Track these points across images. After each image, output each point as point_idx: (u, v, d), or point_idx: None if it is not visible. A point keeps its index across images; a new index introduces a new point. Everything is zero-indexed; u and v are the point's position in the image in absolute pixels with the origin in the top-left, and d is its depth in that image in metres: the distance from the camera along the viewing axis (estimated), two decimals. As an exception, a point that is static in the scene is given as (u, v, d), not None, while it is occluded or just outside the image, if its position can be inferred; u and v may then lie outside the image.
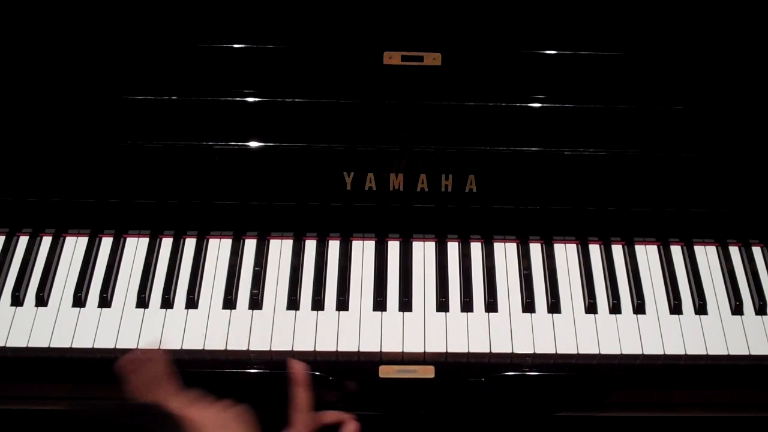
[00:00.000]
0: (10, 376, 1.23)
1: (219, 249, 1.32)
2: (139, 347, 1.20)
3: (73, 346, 1.21)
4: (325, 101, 1.27)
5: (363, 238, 1.34)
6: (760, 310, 1.27)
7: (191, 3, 1.28)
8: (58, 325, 1.23)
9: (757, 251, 1.34)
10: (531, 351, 1.22)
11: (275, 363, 1.21)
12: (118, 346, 1.21)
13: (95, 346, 1.21)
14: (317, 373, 1.17)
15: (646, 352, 1.22)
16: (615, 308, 1.27)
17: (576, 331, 1.24)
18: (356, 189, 1.28)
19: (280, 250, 1.32)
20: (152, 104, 1.26)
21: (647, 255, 1.33)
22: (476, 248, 1.33)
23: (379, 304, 1.26)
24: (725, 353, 1.23)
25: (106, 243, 1.33)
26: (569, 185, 1.29)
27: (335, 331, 1.23)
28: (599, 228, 1.34)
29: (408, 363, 1.21)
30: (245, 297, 1.27)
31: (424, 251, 1.33)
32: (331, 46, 1.26)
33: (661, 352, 1.22)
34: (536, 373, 1.19)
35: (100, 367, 1.22)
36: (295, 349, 1.21)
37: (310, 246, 1.33)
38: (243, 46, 1.25)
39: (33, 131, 1.27)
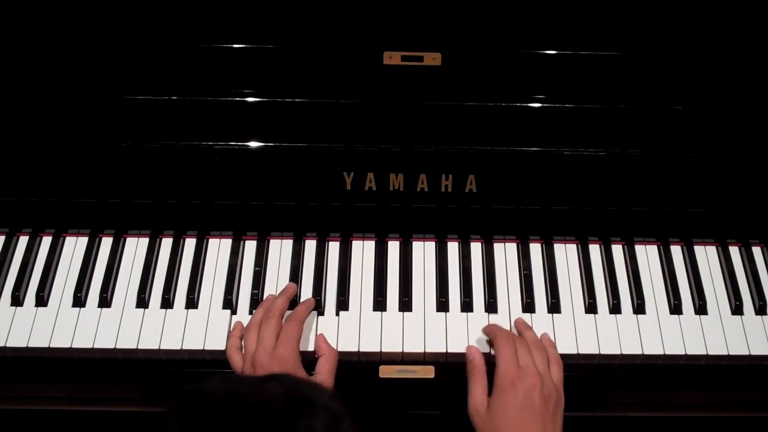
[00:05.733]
0: (10, 376, 1.23)
1: (219, 249, 1.32)
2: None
3: (73, 346, 1.21)
4: (325, 101, 1.27)
5: (363, 238, 1.34)
6: (760, 310, 1.27)
7: (191, 3, 1.28)
8: (58, 325, 1.23)
9: (757, 251, 1.34)
10: (531, 351, 1.21)
11: (275, 363, 1.22)
12: (118, 346, 1.21)
13: (95, 346, 1.21)
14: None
15: (646, 352, 1.22)
16: (615, 308, 1.27)
17: (576, 331, 1.24)
18: (356, 189, 1.28)
19: (280, 250, 1.32)
20: (152, 104, 1.26)
21: (647, 255, 1.33)
22: (476, 248, 1.33)
23: (379, 304, 1.26)
24: (725, 353, 1.22)
25: (106, 243, 1.33)
26: (569, 185, 1.29)
27: (335, 330, 1.23)
28: (599, 228, 1.34)
29: (408, 363, 1.21)
30: (245, 297, 1.27)
31: (424, 251, 1.33)
32: (331, 46, 1.26)
33: (661, 352, 1.22)
34: (536, 373, 1.19)
35: (100, 367, 1.22)
36: (295, 349, 1.21)
37: (310, 246, 1.33)
38: (243, 46, 1.25)
39: (33, 131, 1.27)
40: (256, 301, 1.26)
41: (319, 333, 1.22)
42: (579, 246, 1.34)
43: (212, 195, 1.29)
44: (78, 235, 1.33)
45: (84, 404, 1.35)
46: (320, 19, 1.27)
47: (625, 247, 1.34)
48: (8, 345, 1.21)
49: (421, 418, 1.47)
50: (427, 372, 1.21)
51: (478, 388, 1.12)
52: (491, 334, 1.19)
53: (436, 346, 1.22)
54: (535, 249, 1.33)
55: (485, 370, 1.14)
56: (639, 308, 1.27)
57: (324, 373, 1.16)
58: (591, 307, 1.27)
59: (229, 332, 1.22)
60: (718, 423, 1.51)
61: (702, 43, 1.29)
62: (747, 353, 1.23)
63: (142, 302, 1.26)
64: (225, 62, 1.26)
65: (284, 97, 1.26)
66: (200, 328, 1.23)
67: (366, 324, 1.24)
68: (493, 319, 1.25)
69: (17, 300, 1.26)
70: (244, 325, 1.21)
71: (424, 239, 1.34)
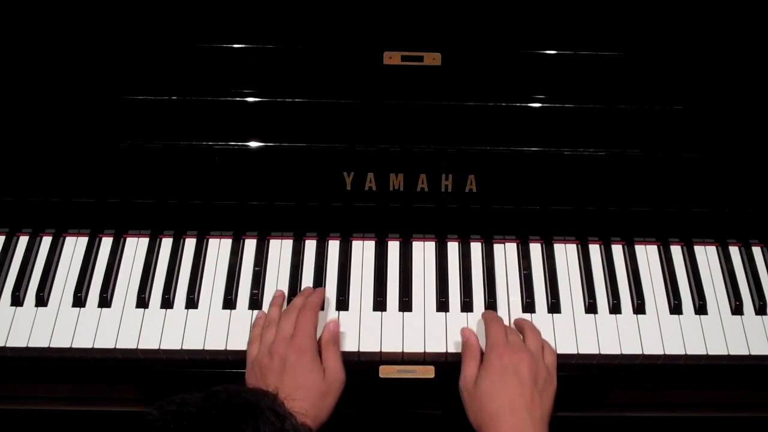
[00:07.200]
0: (10, 376, 1.23)
1: (219, 249, 1.32)
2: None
3: (73, 346, 1.21)
4: (325, 101, 1.27)
5: (363, 238, 1.34)
6: (760, 310, 1.28)
7: (191, 3, 1.28)
8: (58, 325, 1.23)
9: (757, 251, 1.34)
10: (531, 351, 1.21)
11: (275, 363, 1.21)
12: (118, 346, 1.21)
13: (95, 346, 1.21)
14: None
15: (646, 352, 1.22)
16: (615, 308, 1.27)
17: (576, 331, 1.24)
18: (356, 189, 1.28)
19: (280, 250, 1.32)
20: (152, 104, 1.26)
21: (647, 255, 1.33)
22: (476, 248, 1.33)
23: (379, 304, 1.26)
24: (725, 353, 1.23)
25: (106, 243, 1.33)
26: (569, 185, 1.29)
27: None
28: (599, 228, 1.34)
29: (408, 363, 1.21)
30: (245, 297, 1.27)
31: (424, 251, 1.33)
32: (331, 46, 1.26)
33: (661, 352, 1.22)
34: (536, 373, 1.19)
35: (100, 367, 1.22)
36: (295, 349, 1.21)
37: (310, 246, 1.33)
38: (243, 46, 1.25)
39: (33, 131, 1.27)
40: (256, 300, 1.26)
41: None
42: (579, 246, 1.34)
43: (212, 195, 1.29)
44: (78, 235, 1.33)
45: (84, 404, 1.34)
46: (320, 19, 1.27)
47: (625, 247, 1.34)
48: (8, 345, 1.21)
49: (421, 418, 1.47)
50: (427, 372, 1.21)
51: (470, 363, 1.14)
52: (483, 318, 1.21)
53: (436, 346, 1.22)
54: (535, 249, 1.33)
55: (480, 350, 1.16)
56: (639, 308, 1.27)
57: (331, 360, 1.15)
58: (591, 307, 1.27)
59: (253, 322, 1.22)
60: (718, 423, 1.51)
61: (702, 44, 1.29)
62: (747, 353, 1.23)
63: (142, 302, 1.26)
64: (225, 62, 1.26)
65: (284, 97, 1.26)
66: (200, 328, 1.23)
67: (366, 324, 1.24)
68: (493, 319, 1.25)
69: (17, 300, 1.26)
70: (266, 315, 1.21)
71: (424, 239, 1.34)
